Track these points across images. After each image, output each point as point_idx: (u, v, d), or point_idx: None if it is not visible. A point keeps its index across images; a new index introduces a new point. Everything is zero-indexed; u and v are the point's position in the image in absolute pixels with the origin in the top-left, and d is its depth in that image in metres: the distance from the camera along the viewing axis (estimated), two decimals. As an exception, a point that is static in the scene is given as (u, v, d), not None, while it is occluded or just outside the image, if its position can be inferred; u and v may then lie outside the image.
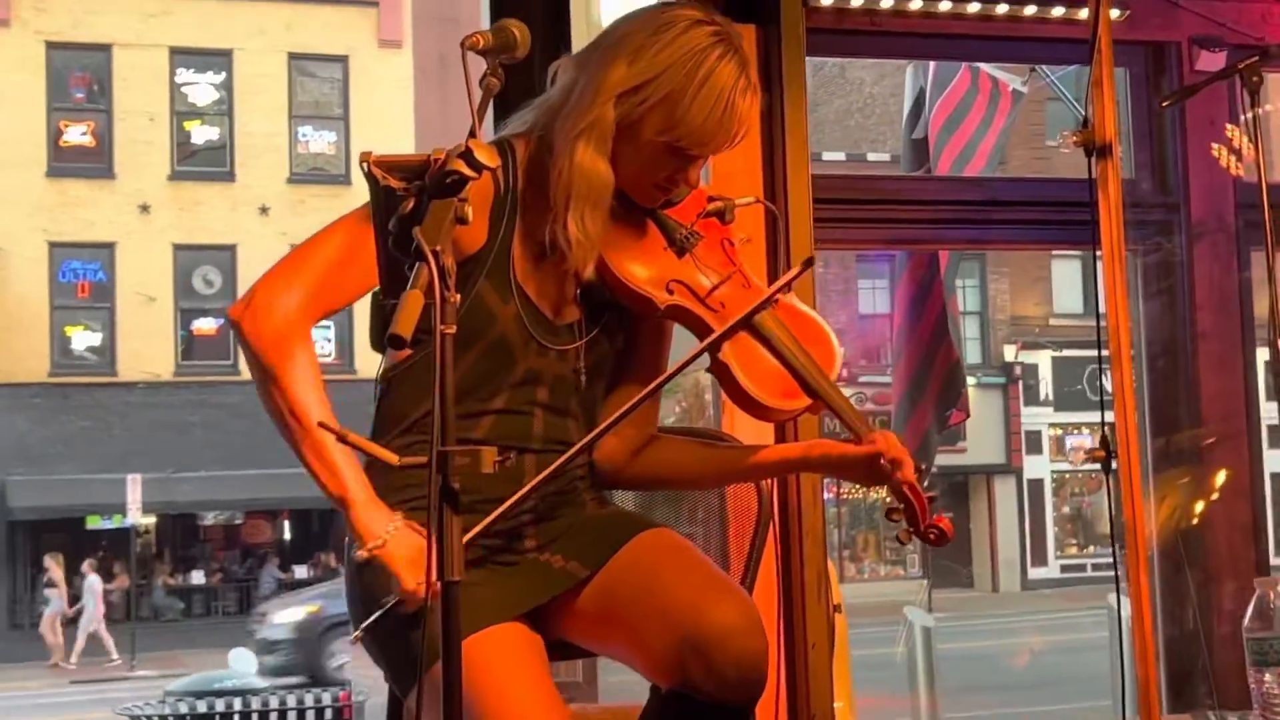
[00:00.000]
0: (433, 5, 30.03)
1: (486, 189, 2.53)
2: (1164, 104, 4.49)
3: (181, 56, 30.21)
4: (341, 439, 2.07)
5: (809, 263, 2.64)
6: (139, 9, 29.54)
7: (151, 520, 28.99)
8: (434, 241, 1.88)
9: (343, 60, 30.74)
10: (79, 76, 29.81)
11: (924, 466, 2.70)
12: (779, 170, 3.89)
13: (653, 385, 2.55)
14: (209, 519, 30.65)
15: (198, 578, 30.12)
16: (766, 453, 2.75)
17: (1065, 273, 31.90)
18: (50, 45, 29.42)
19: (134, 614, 27.14)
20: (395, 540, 2.42)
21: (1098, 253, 3.85)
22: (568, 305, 2.64)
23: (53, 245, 28.97)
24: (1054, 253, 29.18)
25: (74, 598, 26.54)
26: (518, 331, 2.57)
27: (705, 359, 2.58)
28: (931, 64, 8.27)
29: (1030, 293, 32.66)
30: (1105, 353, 3.83)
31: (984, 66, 8.40)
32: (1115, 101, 3.90)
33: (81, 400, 28.69)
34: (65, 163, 29.21)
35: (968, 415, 8.38)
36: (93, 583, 25.95)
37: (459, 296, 2.03)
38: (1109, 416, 3.80)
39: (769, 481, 2.96)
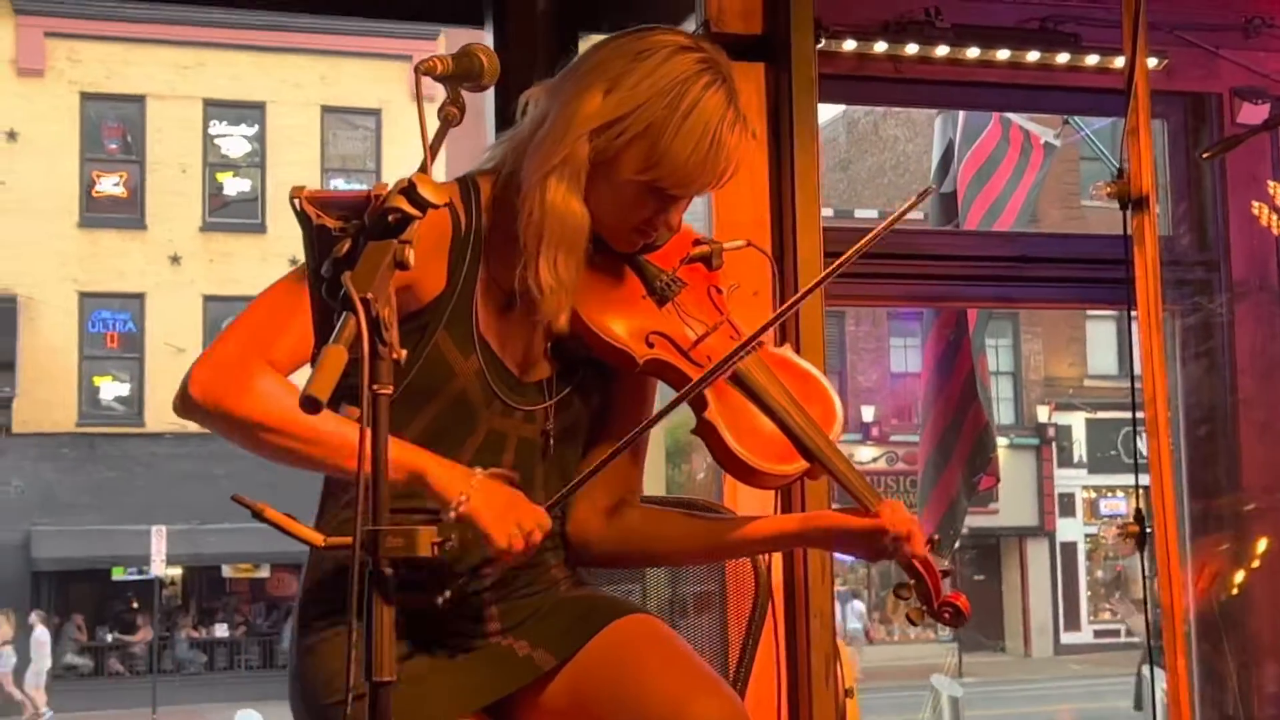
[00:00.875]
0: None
1: (445, 230, 2.30)
2: (1205, 156, 4.25)
3: (215, 108, 30.24)
4: (257, 516, 1.82)
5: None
6: (173, 61, 29.62)
7: (178, 572, 28.79)
8: (366, 287, 1.64)
9: (376, 113, 30.70)
10: (112, 127, 29.86)
11: (936, 538, 2.46)
12: (788, 219, 3.64)
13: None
14: (231, 571, 30.39)
15: (221, 631, 29.85)
16: (761, 525, 2.50)
17: (1100, 333, 31.62)
18: (85, 96, 29.49)
19: (156, 667, 26.92)
20: (480, 494, 2.16)
21: (1133, 313, 3.60)
22: (536, 360, 2.40)
23: (83, 295, 28.92)
24: (1089, 312, 28.97)
25: (88, 649, 26.27)
26: (479, 389, 2.33)
27: (693, 420, 2.33)
28: (960, 115, 8.01)
29: (1064, 353, 32.38)
30: (1140, 415, 3.58)
31: (1015, 118, 8.15)
32: (1152, 152, 3.65)
33: (108, 451, 28.56)
34: (97, 213, 29.19)
35: (997, 480, 8.09)
36: (39, 635, 25.58)
37: (405, 351, 1.79)
38: (1143, 484, 3.55)
39: (766, 557, 2.71)
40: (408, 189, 1.73)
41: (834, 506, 2.46)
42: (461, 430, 2.33)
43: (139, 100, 29.75)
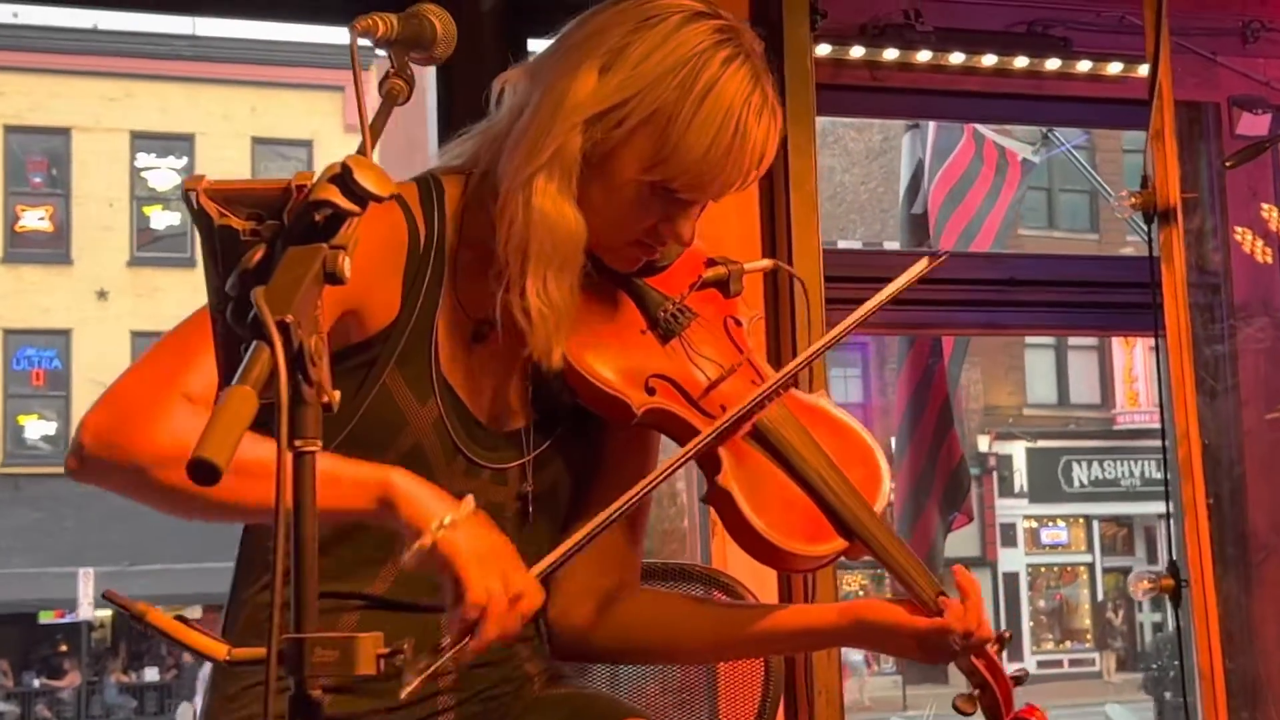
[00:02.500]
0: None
1: (399, 241, 1.87)
2: (1228, 164, 3.89)
3: (142, 140, 29.76)
4: (137, 621, 1.36)
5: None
6: (99, 93, 29.13)
7: (107, 614, 28.19)
8: (284, 307, 1.19)
9: (307, 144, 30.21)
10: (37, 161, 29.34)
11: (1008, 635, 2.00)
12: (782, 235, 3.17)
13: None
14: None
15: (152, 674, 29.18)
16: (791, 616, 2.05)
17: (1038, 361, 31.56)
18: (8, 129, 28.97)
19: (85, 713, 26.34)
20: (466, 527, 1.68)
21: (1159, 336, 3.21)
22: (511, 407, 1.96)
23: (7, 332, 28.37)
24: (1027, 340, 28.92)
25: (14, 694, 25.66)
26: (438, 442, 1.89)
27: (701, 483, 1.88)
28: (930, 132, 7.60)
29: (1004, 382, 32.27)
30: (1154, 437, 3.18)
31: (989, 134, 7.77)
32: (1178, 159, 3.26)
33: (34, 491, 27.91)
34: (22, 248, 28.64)
35: (971, 519, 7.66)
36: None
37: (339, 394, 1.34)
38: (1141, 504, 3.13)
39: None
40: (341, 176, 1.28)
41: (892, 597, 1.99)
42: None
43: (64, 133, 29.24)
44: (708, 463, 1.91)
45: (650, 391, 1.94)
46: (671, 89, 1.83)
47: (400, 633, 1.84)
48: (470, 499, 1.70)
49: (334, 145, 29.95)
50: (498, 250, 1.87)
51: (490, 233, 1.89)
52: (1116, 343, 28.96)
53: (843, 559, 1.97)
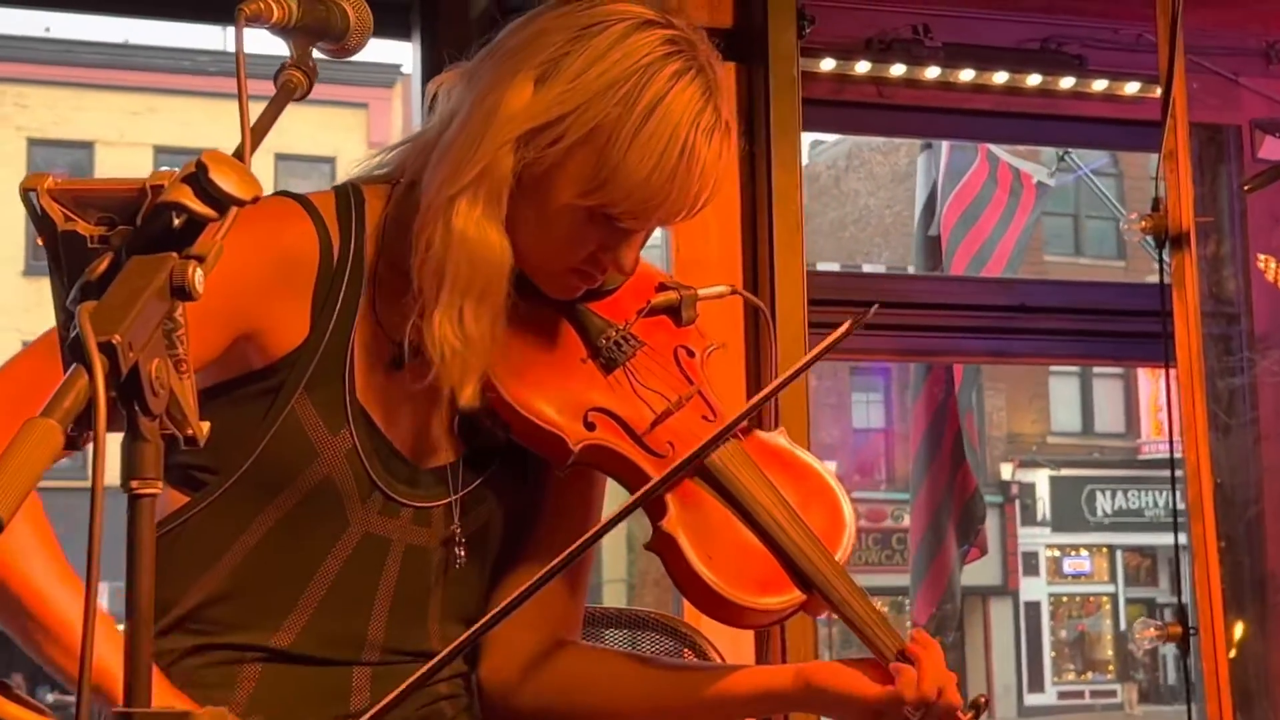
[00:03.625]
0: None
1: (309, 257, 1.69)
2: (1247, 188, 3.70)
3: (166, 155, 29.72)
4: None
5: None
6: (123, 107, 29.16)
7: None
8: (111, 326, 1.02)
9: (330, 161, 30.16)
10: (60, 174, 29.29)
11: (984, 700, 1.81)
12: (764, 256, 2.98)
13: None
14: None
15: (47, 696, 28.96)
16: (740, 679, 1.85)
17: (1063, 389, 31.40)
18: (31, 142, 28.98)
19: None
20: None
21: (1170, 367, 3.03)
22: (438, 440, 1.78)
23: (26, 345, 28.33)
24: (1052, 368, 28.79)
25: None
26: (351, 476, 1.71)
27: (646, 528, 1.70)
28: (944, 153, 7.39)
29: (1027, 409, 32.10)
30: (1166, 476, 3.02)
31: (1004, 156, 7.56)
32: (1192, 181, 3.08)
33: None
34: (42, 261, 28.49)
35: (984, 552, 7.42)
36: None
37: (206, 425, 1.17)
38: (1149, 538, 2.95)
39: None
40: (195, 175, 1.11)
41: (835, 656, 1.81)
42: (325, 533, 1.72)
43: (88, 146, 29.25)
44: (652, 506, 1.74)
45: (589, 426, 1.76)
46: (613, 104, 1.65)
47: (306, 689, 1.68)
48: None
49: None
50: (413, 273, 1.70)
51: (411, 250, 1.72)
52: (1142, 371, 28.77)
53: (804, 613, 1.79)
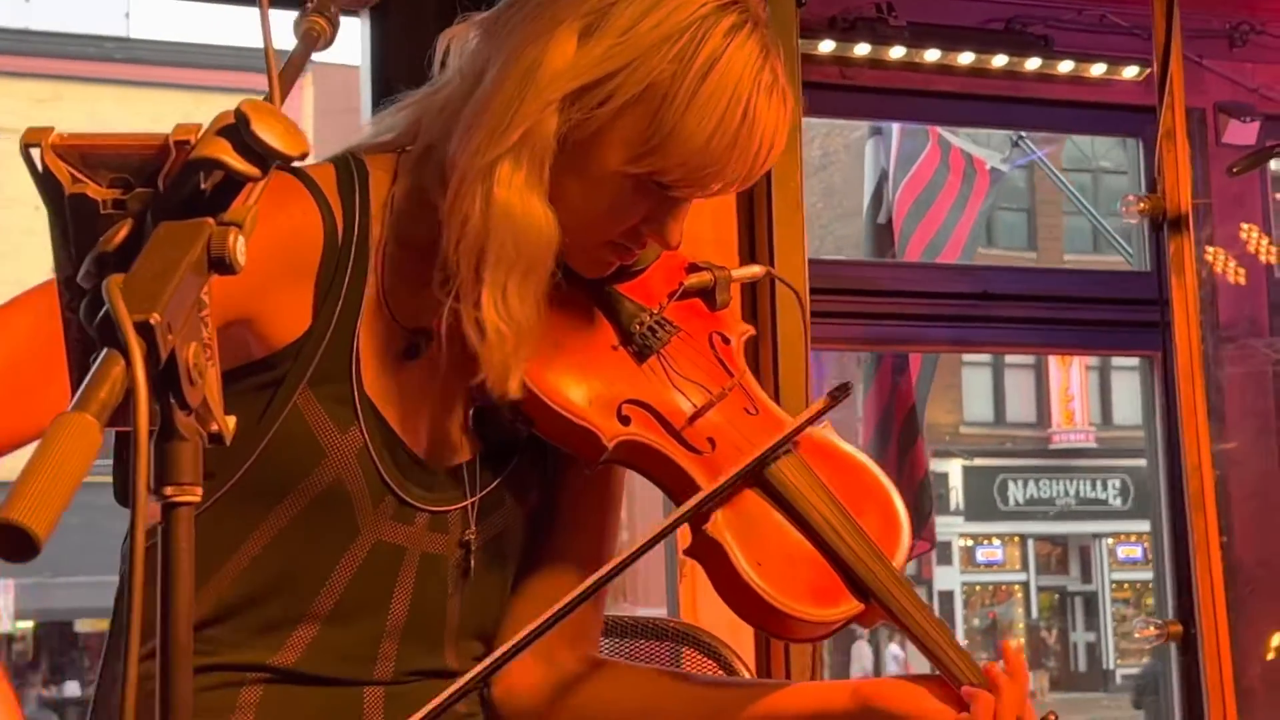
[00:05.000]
0: (336, 96, 29.23)
1: (312, 236, 1.53)
2: (1234, 170, 3.61)
3: (70, 143, 29.39)
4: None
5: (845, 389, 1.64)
6: (27, 94, 28.65)
7: (28, 626, 27.73)
8: (151, 304, 0.86)
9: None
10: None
11: (1054, 717, 1.68)
12: (762, 238, 2.83)
13: (589, 581, 1.50)
14: (85, 625, 29.37)
15: (73, 689, 28.67)
16: (788, 697, 1.69)
17: (975, 379, 31.58)
18: (-69, 128, 28.49)
19: (3, 727, 25.79)
20: None
21: (1156, 354, 2.90)
22: (454, 437, 1.62)
23: (-73, 336, 27.85)
24: (964, 358, 28.98)
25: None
26: (362, 478, 1.55)
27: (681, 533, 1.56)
28: (894, 139, 7.26)
29: (941, 399, 32.24)
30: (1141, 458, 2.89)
31: (955, 141, 7.46)
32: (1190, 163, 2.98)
33: (-47, 500, 27.48)
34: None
35: (931, 545, 7.30)
36: None
37: (234, 420, 1.01)
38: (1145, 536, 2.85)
39: None
40: (235, 127, 0.95)
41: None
42: (333, 542, 1.55)
43: (-14, 134, 28.78)
44: (697, 512, 1.58)
45: (624, 420, 1.61)
46: (668, 61, 1.49)
47: (313, 712, 1.52)
48: None
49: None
50: (447, 251, 1.53)
51: (430, 225, 1.56)
52: (1053, 361, 29.00)
53: (859, 625, 1.65)
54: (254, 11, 1.21)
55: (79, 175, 1.00)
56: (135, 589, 0.79)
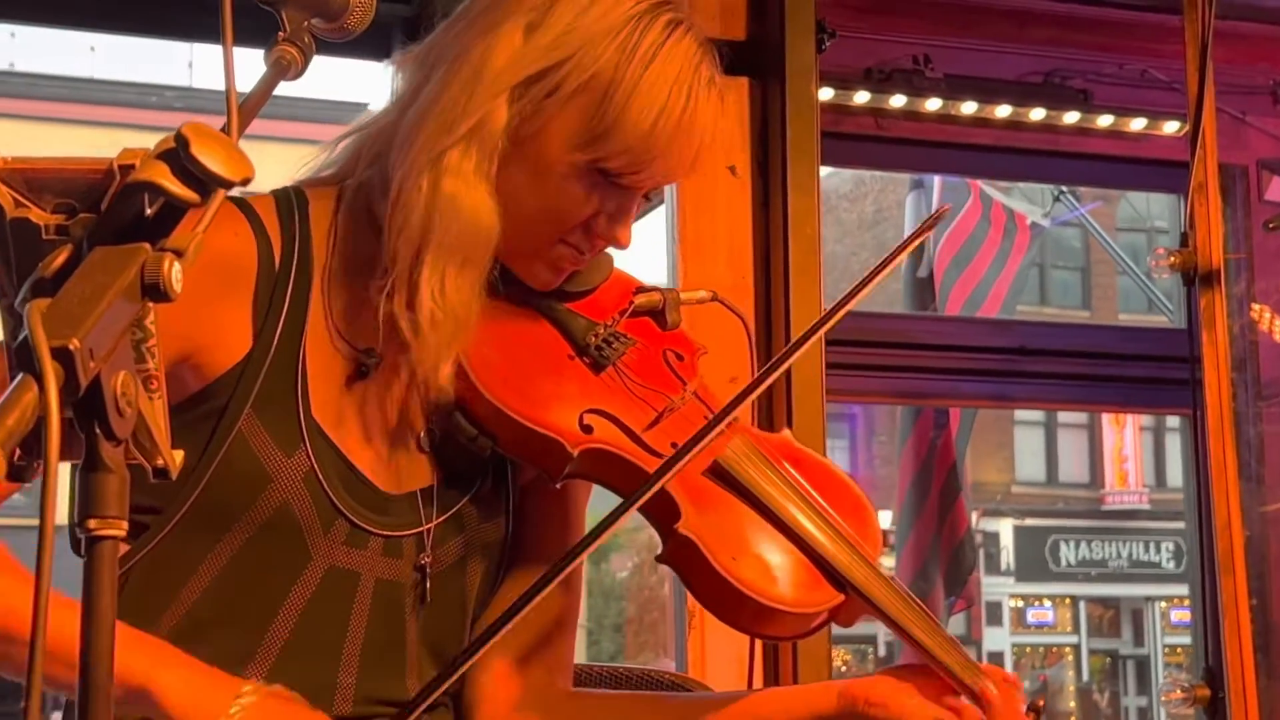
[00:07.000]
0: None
1: (246, 260, 1.54)
2: (1271, 226, 3.55)
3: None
4: None
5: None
6: (88, 141, 28.78)
7: None
8: (68, 330, 0.83)
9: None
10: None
11: (1040, 703, 1.67)
12: (778, 279, 2.80)
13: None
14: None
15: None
16: (771, 701, 1.70)
17: (1027, 438, 31.39)
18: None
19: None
20: (257, 714, 1.37)
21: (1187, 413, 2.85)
22: (409, 461, 1.62)
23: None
24: (1016, 416, 28.82)
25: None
26: (311, 503, 1.54)
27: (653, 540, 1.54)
28: (936, 192, 7.23)
29: (992, 458, 32.09)
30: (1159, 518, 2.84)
31: (997, 196, 7.41)
32: (1221, 216, 2.93)
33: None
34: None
35: (971, 603, 7.20)
36: None
37: (181, 453, 0.99)
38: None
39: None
40: (174, 151, 0.92)
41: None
42: (285, 568, 1.54)
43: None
44: (662, 511, 1.58)
45: (586, 429, 1.61)
46: (612, 50, 1.54)
47: (303, 684, 1.49)
48: (254, 686, 1.39)
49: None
50: (387, 243, 1.55)
51: (373, 243, 1.57)
52: (1106, 420, 28.79)
53: (836, 623, 1.64)
54: (318, 60, 1.22)
55: (22, 199, 0.97)
56: (37, 629, 0.76)
